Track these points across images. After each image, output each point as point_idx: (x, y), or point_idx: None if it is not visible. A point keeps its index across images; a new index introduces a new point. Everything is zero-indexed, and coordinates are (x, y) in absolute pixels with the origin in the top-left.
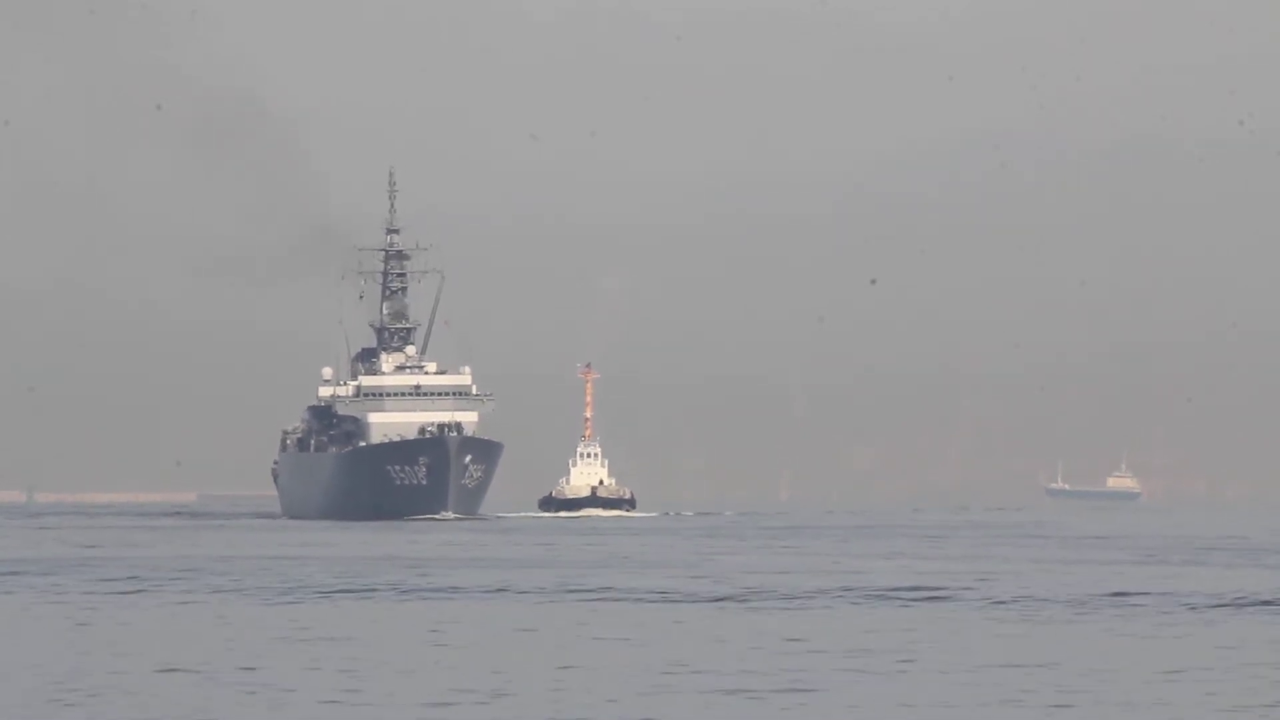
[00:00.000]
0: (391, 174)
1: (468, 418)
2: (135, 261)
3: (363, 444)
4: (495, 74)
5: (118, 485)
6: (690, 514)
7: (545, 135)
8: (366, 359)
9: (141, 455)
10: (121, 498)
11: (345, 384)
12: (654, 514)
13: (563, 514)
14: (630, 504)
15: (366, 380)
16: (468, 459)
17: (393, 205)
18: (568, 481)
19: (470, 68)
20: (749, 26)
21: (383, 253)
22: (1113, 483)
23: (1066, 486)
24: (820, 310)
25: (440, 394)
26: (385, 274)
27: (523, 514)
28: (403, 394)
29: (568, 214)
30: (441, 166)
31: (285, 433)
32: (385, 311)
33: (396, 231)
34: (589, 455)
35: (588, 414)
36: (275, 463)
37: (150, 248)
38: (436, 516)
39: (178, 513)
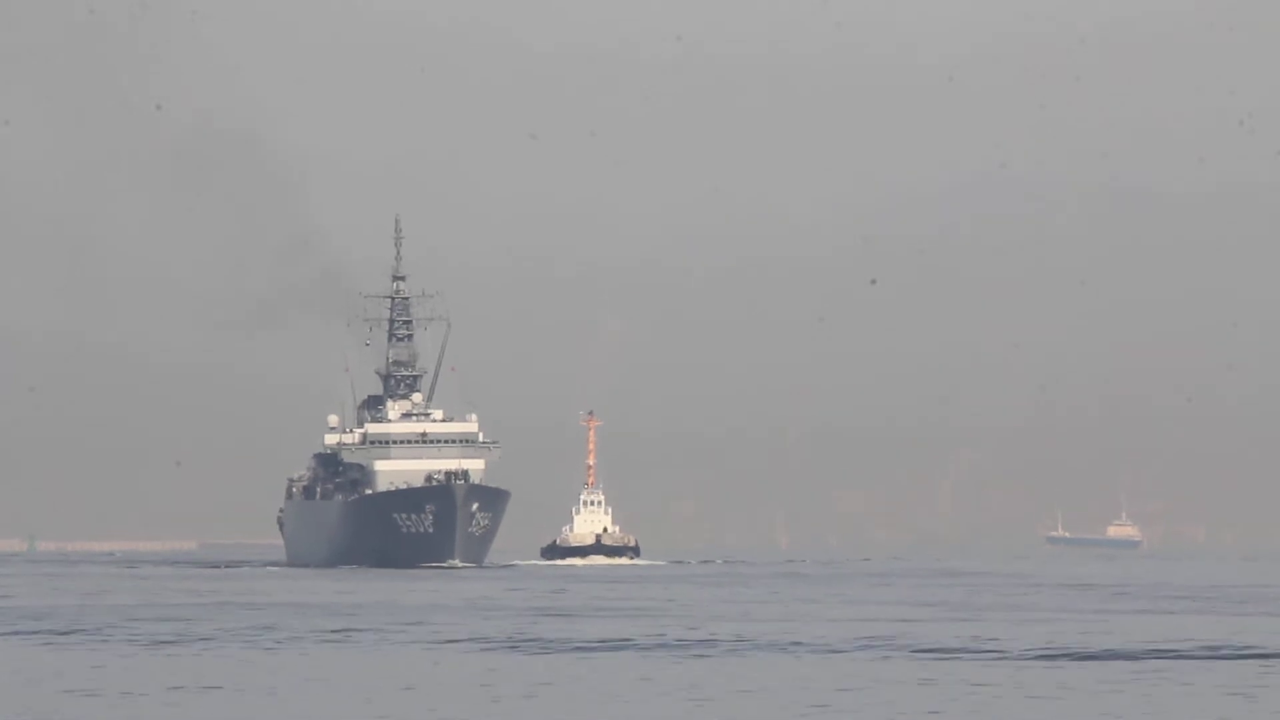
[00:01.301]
0: (397, 220)
1: (474, 465)
2: (137, 309)
3: (369, 492)
4: (496, 117)
5: (118, 534)
6: (694, 562)
7: (544, 138)
8: (373, 406)
9: (142, 504)
10: (122, 546)
11: (351, 431)
12: (661, 562)
13: (568, 561)
14: (635, 551)
15: (373, 428)
16: (474, 507)
17: (399, 252)
18: (571, 529)
19: (472, 113)
20: (754, 56)
21: (389, 299)
22: (1113, 531)
23: (1067, 534)
24: (823, 326)
25: (447, 442)
26: (391, 321)
27: (530, 561)
28: (409, 442)
29: (570, 259)
30: (445, 212)
31: (291, 480)
32: (391, 358)
33: (403, 278)
34: (592, 503)
35: (590, 461)
36: (281, 510)
37: (152, 295)
38: (443, 565)
39: (176, 561)
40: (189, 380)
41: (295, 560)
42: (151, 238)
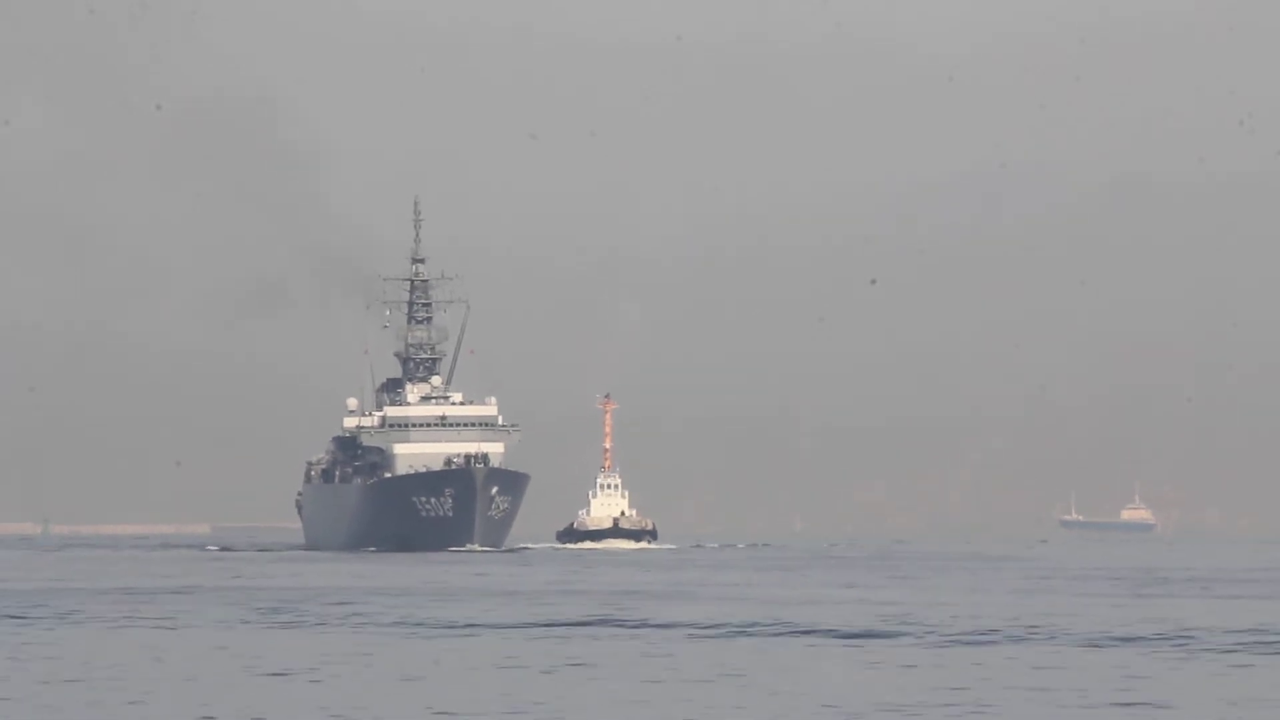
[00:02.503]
0: (417, 203)
1: (494, 449)
2: (156, 294)
3: (388, 475)
4: (496, 117)
5: (131, 517)
6: (714, 546)
7: (544, 138)
8: (392, 389)
9: (156, 487)
10: (135, 529)
11: (370, 414)
12: (678, 546)
13: (584, 545)
14: (652, 535)
15: (392, 411)
16: (494, 490)
17: (418, 234)
18: (588, 513)
19: (472, 113)
20: (755, 54)
21: (408, 282)
22: (1127, 514)
23: (1081, 518)
24: (824, 324)
25: (466, 425)
26: (410, 303)
27: (544, 545)
28: (428, 425)
29: (586, 244)
30: (447, 211)
31: (310, 464)
32: (410, 341)
33: (422, 261)
34: (609, 486)
35: (607, 444)
36: (299, 494)
37: (172, 280)
38: (462, 549)
39: (197, 545)
40: (204, 365)
41: (314, 544)
42: (156, 229)
